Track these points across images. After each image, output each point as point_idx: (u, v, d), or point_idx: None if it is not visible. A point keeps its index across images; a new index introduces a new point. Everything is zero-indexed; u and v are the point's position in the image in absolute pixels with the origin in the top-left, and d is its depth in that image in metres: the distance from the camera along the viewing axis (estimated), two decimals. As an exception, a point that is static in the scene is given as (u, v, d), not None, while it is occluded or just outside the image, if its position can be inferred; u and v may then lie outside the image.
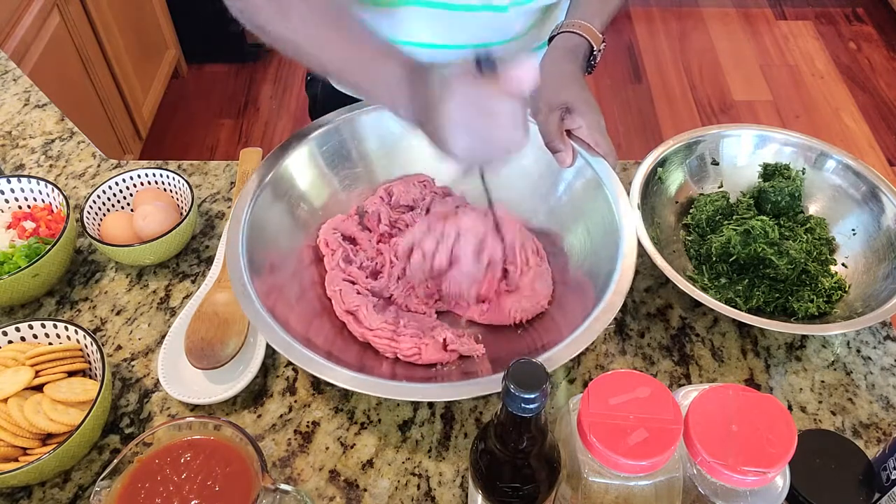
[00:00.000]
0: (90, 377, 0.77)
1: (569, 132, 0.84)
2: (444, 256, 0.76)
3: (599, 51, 0.89)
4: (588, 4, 0.92)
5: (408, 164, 0.93)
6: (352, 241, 0.87)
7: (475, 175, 0.72)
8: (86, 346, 0.76)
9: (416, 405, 0.78)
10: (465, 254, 0.76)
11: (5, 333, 0.77)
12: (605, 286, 0.74)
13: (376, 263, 0.85)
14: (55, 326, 0.77)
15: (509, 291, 0.81)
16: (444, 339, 0.76)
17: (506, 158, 0.67)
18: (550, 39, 0.91)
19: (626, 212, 0.79)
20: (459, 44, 0.94)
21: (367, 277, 0.83)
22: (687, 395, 0.62)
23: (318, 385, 0.80)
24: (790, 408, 0.78)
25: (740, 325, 0.85)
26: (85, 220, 0.89)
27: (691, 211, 0.93)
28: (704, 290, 0.84)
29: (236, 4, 0.77)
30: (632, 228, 0.78)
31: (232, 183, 1.02)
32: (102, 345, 0.83)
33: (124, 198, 0.95)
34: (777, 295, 0.84)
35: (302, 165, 0.87)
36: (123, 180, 0.94)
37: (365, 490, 0.72)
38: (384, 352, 0.77)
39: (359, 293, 0.81)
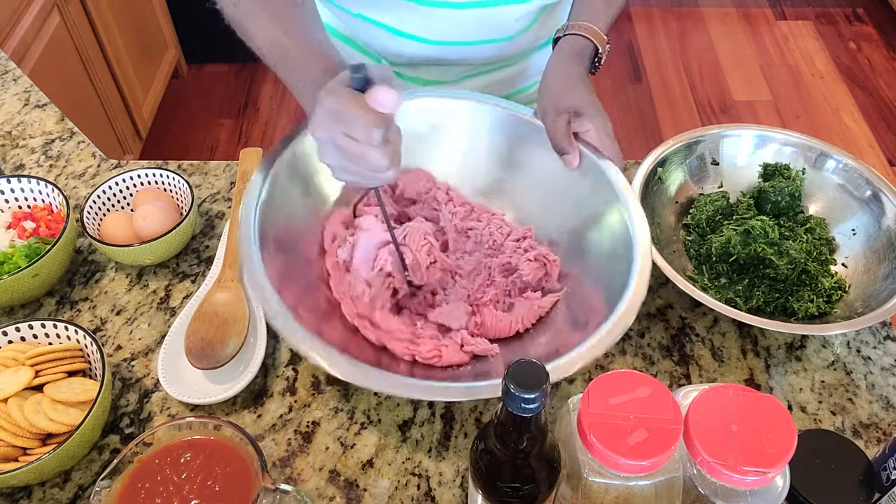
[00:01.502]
0: (90, 377, 0.77)
1: (576, 135, 0.84)
2: (346, 255, 0.79)
3: (605, 52, 0.89)
4: (592, 6, 0.91)
5: (422, 161, 0.89)
6: None
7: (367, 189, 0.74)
8: (86, 346, 0.76)
9: (416, 405, 0.78)
10: (358, 258, 0.78)
11: (5, 333, 0.77)
12: (621, 292, 0.72)
13: None
14: (55, 326, 0.77)
15: (505, 311, 0.80)
16: (461, 340, 0.76)
17: (374, 178, 0.66)
18: (556, 41, 0.91)
19: (640, 219, 0.77)
20: (458, 41, 0.94)
21: None
22: (687, 395, 0.62)
23: (317, 385, 0.80)
24: (790, 408, 0.78)
25: (740, 325, 0.85)
26: (85, 220, 0.89)
27: (691, 211, 0.93)
28: (704, 290, 0.84)
29: None
30: (645, 235, 0.76)
31: (232, 183, 1.02)
32: (102, 345, 0.83)
33: (124, 198, 0.95)
34: (777, 295, 0.84)
35: (316, 157, 0.85)
36: (123, 180, 0.94)
37: (365, 490, 0.72)
38: (402, 354, 0.75)
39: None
